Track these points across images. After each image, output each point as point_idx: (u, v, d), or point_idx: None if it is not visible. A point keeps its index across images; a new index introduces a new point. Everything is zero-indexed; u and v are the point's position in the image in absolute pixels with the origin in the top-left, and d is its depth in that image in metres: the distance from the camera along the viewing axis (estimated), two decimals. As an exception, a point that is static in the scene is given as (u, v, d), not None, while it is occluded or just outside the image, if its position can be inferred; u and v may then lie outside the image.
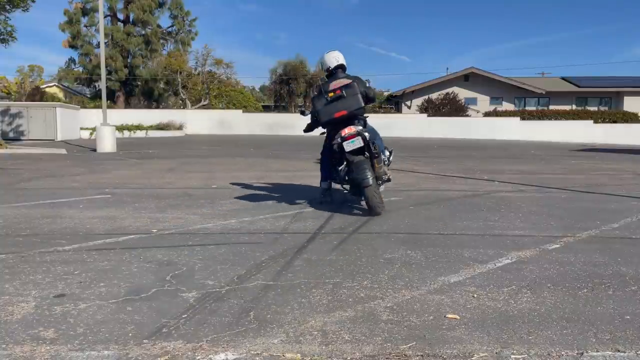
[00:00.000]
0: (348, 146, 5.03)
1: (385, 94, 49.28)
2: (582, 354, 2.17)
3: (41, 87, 37.94)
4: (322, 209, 5.48)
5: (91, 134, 22.37)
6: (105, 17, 28.73)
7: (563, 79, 38.55)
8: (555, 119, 29.77)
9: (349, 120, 5.15)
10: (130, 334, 2.31)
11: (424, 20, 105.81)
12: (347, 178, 5.39)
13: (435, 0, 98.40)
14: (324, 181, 5.85)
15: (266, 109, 41.84)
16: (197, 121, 29.27)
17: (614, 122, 29.41)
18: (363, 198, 5.26)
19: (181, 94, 35.60)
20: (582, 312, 2.64)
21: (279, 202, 6.02)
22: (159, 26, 35.49)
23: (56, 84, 42.68)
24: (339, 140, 5.09)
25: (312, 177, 8.81)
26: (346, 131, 5.06)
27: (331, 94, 5.09)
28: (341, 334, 2.34)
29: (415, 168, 10.64)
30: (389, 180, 5.72)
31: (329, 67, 5.54)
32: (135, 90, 36.08)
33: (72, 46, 33.88)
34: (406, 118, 31.22)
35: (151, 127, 26.45)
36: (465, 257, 3.66)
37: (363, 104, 5.17)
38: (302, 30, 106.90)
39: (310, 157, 13.33)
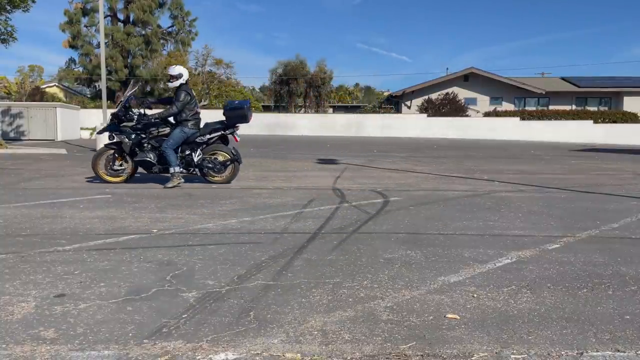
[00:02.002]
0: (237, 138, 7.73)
1: (385, 94, 49.26)
2: (582, 353, 2.17)
3: (41, 87, 37.97)
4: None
5: (91, 134, 22.36)
6: (105, 17, 28.67)
7: (563, 79, 38.52)
8: (555, 119, 29.77)
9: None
10: (130, 334, 2.31)
11: (424, 21, 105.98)
12: (198, 163, 7.40)
13: (436, 1, 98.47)
14: (178, 166, 7.29)
15: (266, 109, 41.79)
16: (197, 121, 29.23)
17: (614, 122, 29.41)
18: (223, 172, 7.56)
19: (181, 94, 35.49)
20: (582, 312, 2.64)
21: (279, 202, 6.03)
22: (159, 26, 35.46)
23: (56, 84, 42.64)
24: (233, 133, 7.64)
25: (312, 177, 8.82)
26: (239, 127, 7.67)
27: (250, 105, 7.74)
28: (341, 333, 2.34)
29: (415, 168, 10.64)
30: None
31: (188, 78, 7.51)
32: (135, 90, 36.01)
33: (72, 46, 33.87)
34: (406, 118, 31.23)
35: (151, 127, 26.38)
36: (465, 257, 3.66)
37: None
38: (302, 30, 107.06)
39: (310, 157, 13.34)
